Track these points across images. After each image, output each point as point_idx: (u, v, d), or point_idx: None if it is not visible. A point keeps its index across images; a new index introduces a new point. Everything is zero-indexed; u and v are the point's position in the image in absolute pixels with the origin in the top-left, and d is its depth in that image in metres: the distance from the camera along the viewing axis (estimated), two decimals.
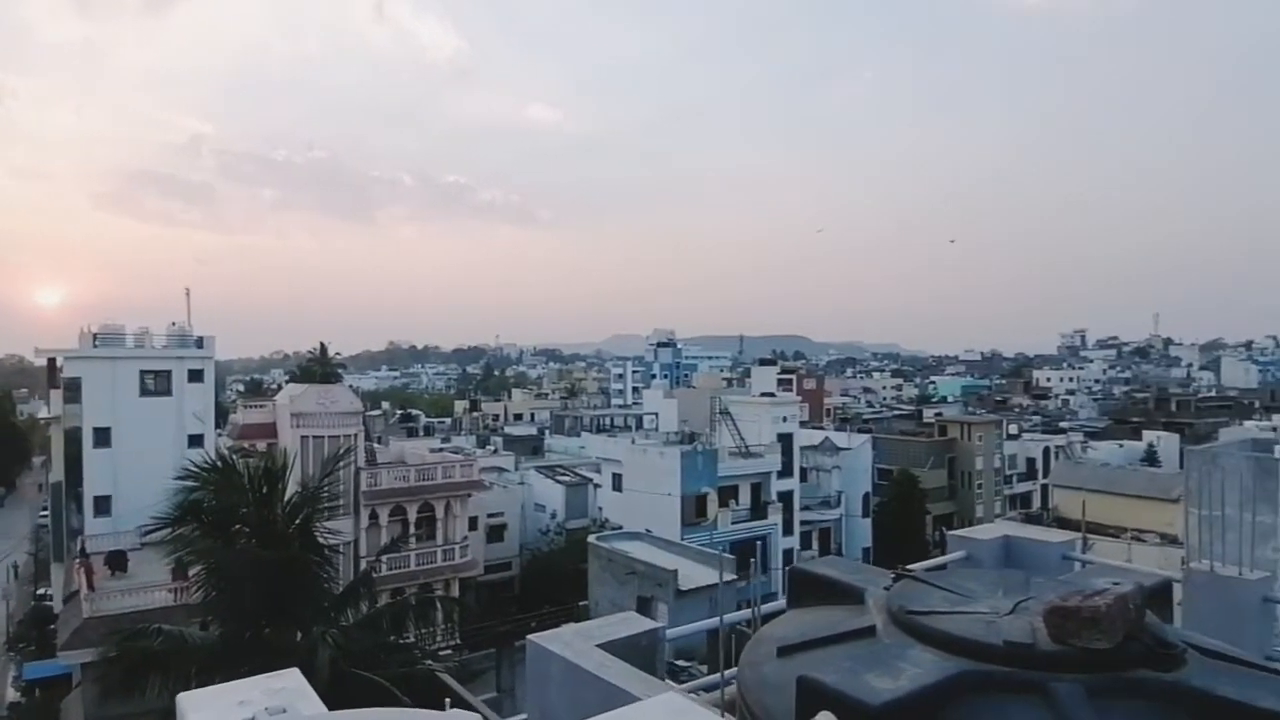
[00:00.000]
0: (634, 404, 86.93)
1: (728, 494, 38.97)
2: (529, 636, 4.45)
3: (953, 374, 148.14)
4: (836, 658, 2.26)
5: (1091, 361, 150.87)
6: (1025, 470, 58.36)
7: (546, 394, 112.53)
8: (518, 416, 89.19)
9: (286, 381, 55.65)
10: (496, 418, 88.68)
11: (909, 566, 6.51)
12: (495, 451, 54.95)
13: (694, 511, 36.83)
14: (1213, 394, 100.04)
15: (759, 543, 27.94)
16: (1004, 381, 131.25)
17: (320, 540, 14.11)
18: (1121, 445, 62.58)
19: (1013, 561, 6.86)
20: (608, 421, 73.34)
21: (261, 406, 37.59)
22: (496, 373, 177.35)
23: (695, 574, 25.85)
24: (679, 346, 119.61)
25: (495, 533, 41.24)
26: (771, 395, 45.75)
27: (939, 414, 67.06)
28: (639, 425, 60.16)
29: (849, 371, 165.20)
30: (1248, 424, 66.03)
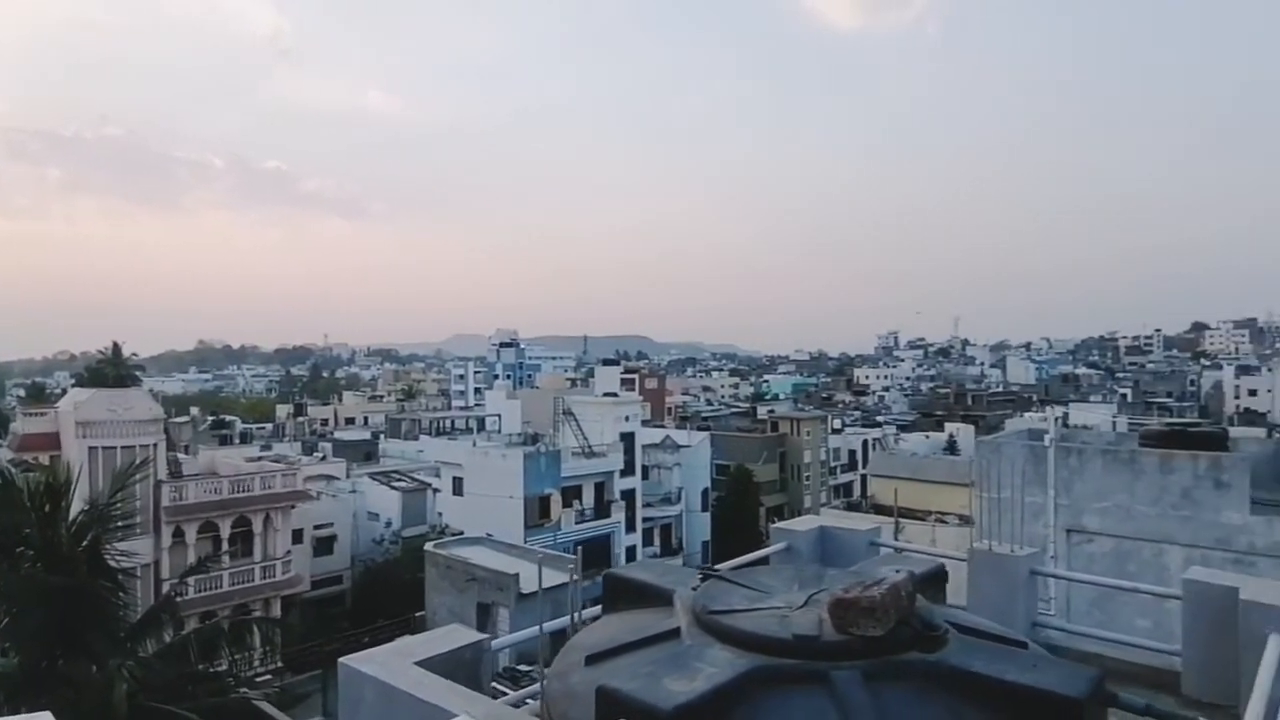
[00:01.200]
0: (476, 406, 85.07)
1: (571, 494, 39.04)
2: (341, 660, 4.18)
3: (785, 373, 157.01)
4: (639, 663, 2.29)
5: (903, 360, 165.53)
6: (847, 462, 62.97)
7: (381, 396, 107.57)
8: (349, 421, 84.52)
9: (73, 385, 49.50)
10: (325, 422, 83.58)
11: (738, 559, 6.81)
12: (324, 459, 51.81)
13: (537, 513, 36.59)
14: (1000, 390, 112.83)
15: (603, 541, 28.23)
16: (829, 380, 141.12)
17: (111, 564, 12.67)
18: (928, 437, 69.08)
19: (827, 550, 7.35)
20: (448, 424, 71.26)
21: (43, 414, 33.15)
22: (325, 374, 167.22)
23: (538, 577, 25.63)
24: (522, 347, 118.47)
25: (324, 545, 38.83)
26: (614, 395, 46.37)
27: (771, 411, 70.84)
28: (481, 427, 58.90)
29: (689, 371, 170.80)
30: (1028, 415, 75.09)
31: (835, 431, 64.52)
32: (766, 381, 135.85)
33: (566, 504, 38.02)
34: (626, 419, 43.14)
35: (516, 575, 25.70)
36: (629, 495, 42.68)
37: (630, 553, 42.11)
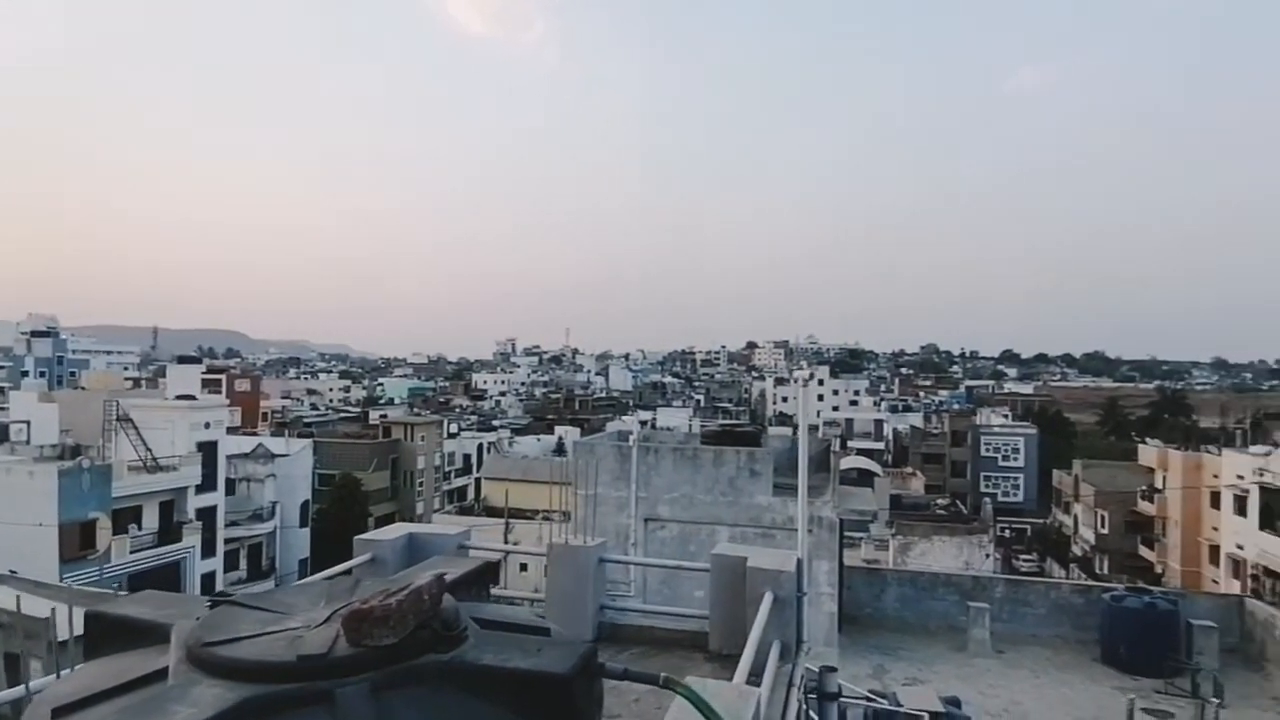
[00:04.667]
0: None
1: (128, 516, 32.76)
2: None
3: (401, 376, 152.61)
4: (108, 715, 1.90)
5: (519, 366, 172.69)
6: (463, 466, 63.38)
7: None
8: None
9: None
10: None
11: (313, 576, 6.27)
12: None
13: (79, 542, 29.94)
14: (604, 395, 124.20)
15: (170, 570, 24.17)
16: (447, 384, 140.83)
17: None
18: (539, 439, 72.94)
19: (416, 558, 7.19)
20: None
21: None
22: None
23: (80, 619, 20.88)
24: (63, 338, 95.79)
25: None
26: (192, 398, 40.14)
27: (384, 416, 68.20)
28: (4, 438, 46.31)
29: (293, 372, 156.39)
30: (625, 419, 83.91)
31: (452, 436, 64.53)
32: (381, 385, 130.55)
33: (120, 529, 31.80)
34: (207, 426, 37.69)
35: (48, 619, 20.62)
36: (209, 514, 37.32)
37: (209, 580, 36.88)
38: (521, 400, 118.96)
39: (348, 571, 6.83)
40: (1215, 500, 43.43)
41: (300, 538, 43.52)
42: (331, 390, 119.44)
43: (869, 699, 11.16)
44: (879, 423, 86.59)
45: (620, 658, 6.65)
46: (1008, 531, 61.86)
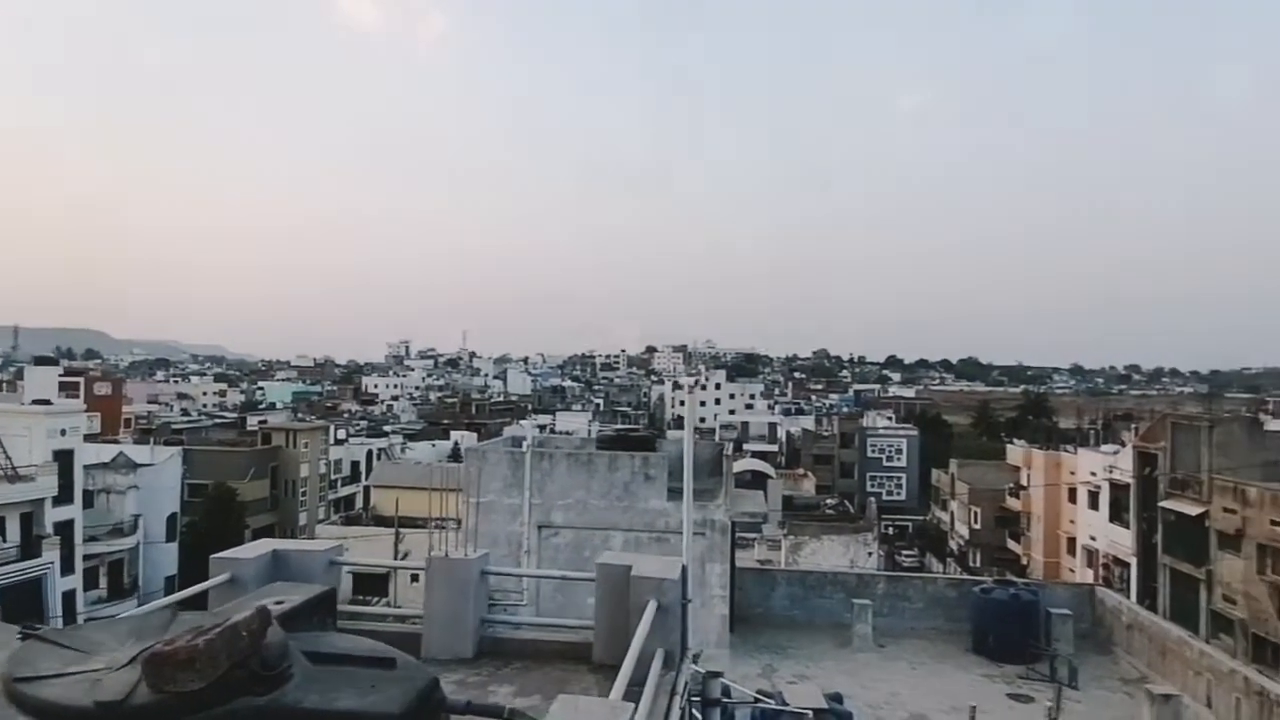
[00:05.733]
0: None
1: None
2: None
3: (284, 379, 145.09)
4: None
5: (414, 370, 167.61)
6: (350, 474, 60.75)
7: None
8: None
9: None
10: None
11: (167, 599, 5.73)
12: None
13: None
14: (502, 399, 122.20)
15: (30, 588, 22.01)
16: (335, 388, 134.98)
17: None
18: (434, 444, 70.89)
19: (279, 575, 6.72)
20: None
21: None
22: None
23: None
24: None
25: None
26: (47, 403, 36.70)
27: (264, 422, 64.56)
28: None
29: (161, 375, 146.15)
30: (523, 423, 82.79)
31: (339, 442, 61.74)
32: (262, 389, 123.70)
33: None
34: (64, 433, 34.56)
35: None
36: (66, 528, 34.21)
37: (70, 598, 33.87)
38: (416, 405, 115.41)
39: (204, 594, 6.32)
40: (1072, 495, 47.05)
41: (167, 553, 40.54)
42: (205, 394, 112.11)
43: (757, 699, 11.36)
44: (773, 426, 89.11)
45: (503, 673, 6.45)
46: (891, 529, 64.96)
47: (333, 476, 58.21)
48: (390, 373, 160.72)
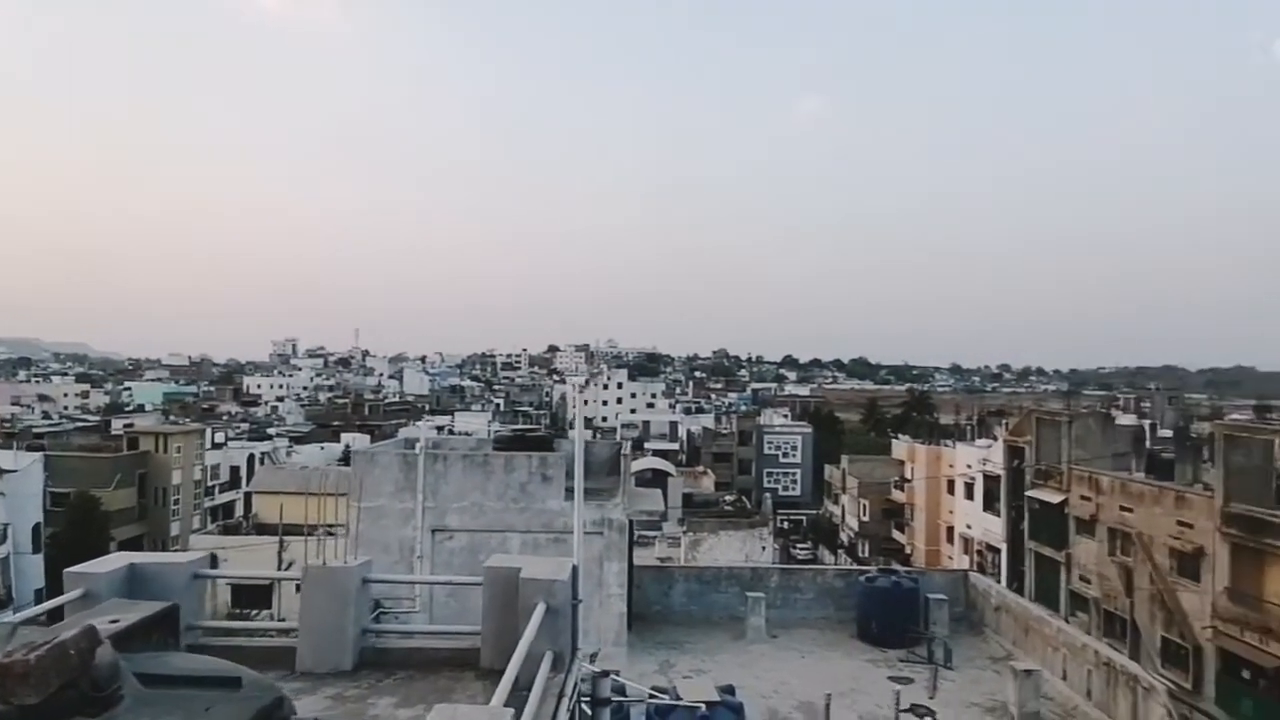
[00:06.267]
0: None
1: None
2: None
3: (154, 379, 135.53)
4: None
5: (301, 369, 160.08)
6: (229, 480, 57.36)
7: None
8: None
9: None
10: None
11: (23, 614, 5.20)
12: None
13: None
14: (397, 399, 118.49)
15: None
16: (213, 388, 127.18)
17: None
18: (323, 448, 67.93)
19: (137, 590, 6.24)
20: None
21: None
22: None
23: None
24: None
25: None
26: None
27: (130, 425, 60.06)
28: None
29: (21, 375, 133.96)
30: (419, 424, 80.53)
31: (217, 446, 58.20)
32: (129, 389, 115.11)
33: None
34: None
35: None
36: None
37: None
38: (303, 406, 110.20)
39: (60, 609, 5.80)
40: (951, 487, 50.03)
41: (34, 564, 37.26)
42: (67, 395, 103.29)
43: (651, 696, 11.46)
44: (674, 424, 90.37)
45: (384, 685, 6.23)
46: (786, 523, 67.17)
47: (209, 483, 54.80)
48: (275, 372, 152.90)
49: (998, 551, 41.84)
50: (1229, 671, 25.03)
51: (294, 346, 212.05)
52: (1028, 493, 36.77)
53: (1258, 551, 24.27)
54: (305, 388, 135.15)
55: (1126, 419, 45.89)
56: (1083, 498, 32.73)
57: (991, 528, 42.66)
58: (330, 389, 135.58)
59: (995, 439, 45.49)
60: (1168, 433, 40.93)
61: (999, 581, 32.05)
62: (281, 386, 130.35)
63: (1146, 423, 46.38)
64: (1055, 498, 34.30)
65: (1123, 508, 30.37)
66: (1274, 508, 23.83)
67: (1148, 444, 35.52)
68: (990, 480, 43.01)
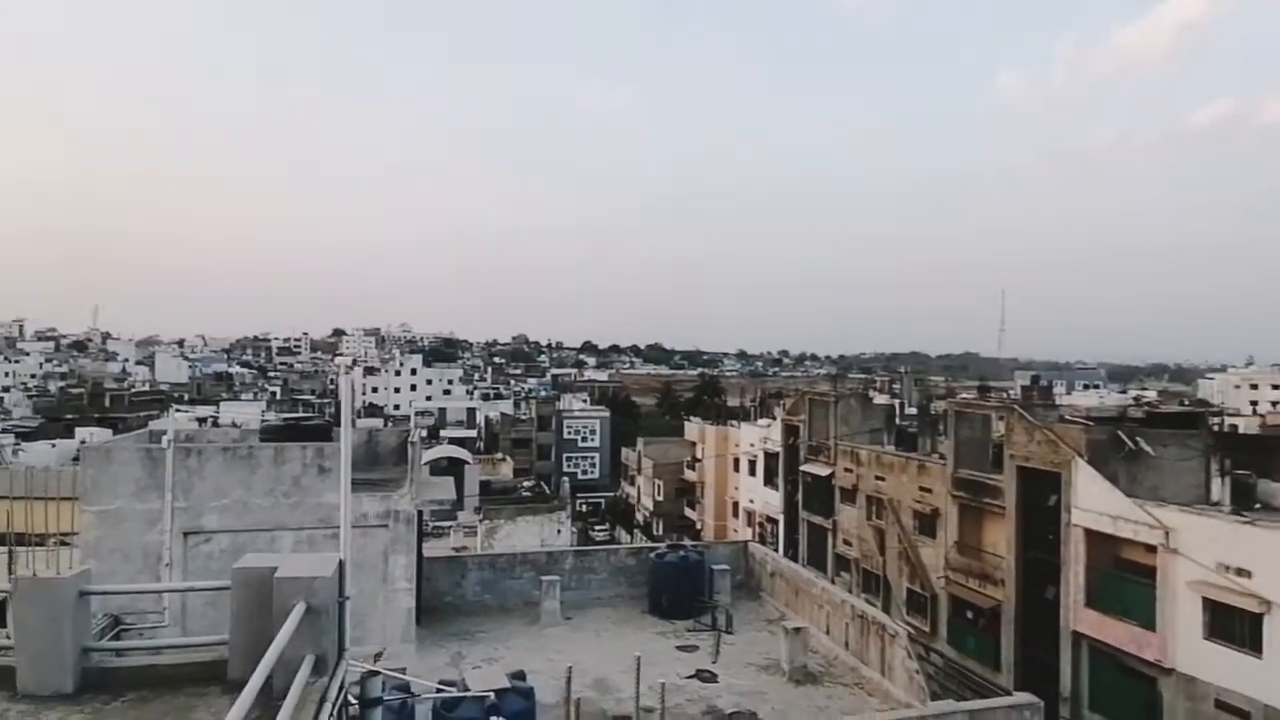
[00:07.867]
0: None
1: None
2: None
3: None
4: None
5: (29, 354, 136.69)
6: None
7: None
8: None
9: None
10: None
11: None
12: None
13: None
14: (148, 388, 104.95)
15: None
16: None
17: None
18: (55, 445, 58.65)
19: None
20: None
21: None
22: None
23: None
24: None
25: None
26: None
27: None
28: None
29: None
30: (176, 414, 71.91)
31: None
32: None
33: None
34: None
35: None
36: None
37: None
38: (31, 397, 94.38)
39: None
40: (736, 465, 53.45)
41: None
42: None
43: (439, 689, 11.04)
44: (471, 411, 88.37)
45: (112, 708, 5.40)
46: (585, 506, 68.25)
47: None
48: None
49: (776, 522, 45.35)
50: (957, 614, 29.05)
51: (21, 328, 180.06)
52: (801, 467, 40.17)
53: (978, 510, 28.33)
54: (34, 375, 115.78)
55: (882, 399, 51.43)
56: (846, 470, 36.34)
57: (771, 501, 46.15)
58: (63, 377, 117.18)
59: (774, 419, 49.11)
60: (913, 410, 46.50)
61: (776, 550, 34.81)
62: (6, 374, 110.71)
63: (897, 402, 52.33)
64: (824, 471, 37.77)
65: (877, 477, 34.10)
66: (990, 472, 27.90)
67: (897, 420, 40.06)
68: (770, 457, 46.46)
